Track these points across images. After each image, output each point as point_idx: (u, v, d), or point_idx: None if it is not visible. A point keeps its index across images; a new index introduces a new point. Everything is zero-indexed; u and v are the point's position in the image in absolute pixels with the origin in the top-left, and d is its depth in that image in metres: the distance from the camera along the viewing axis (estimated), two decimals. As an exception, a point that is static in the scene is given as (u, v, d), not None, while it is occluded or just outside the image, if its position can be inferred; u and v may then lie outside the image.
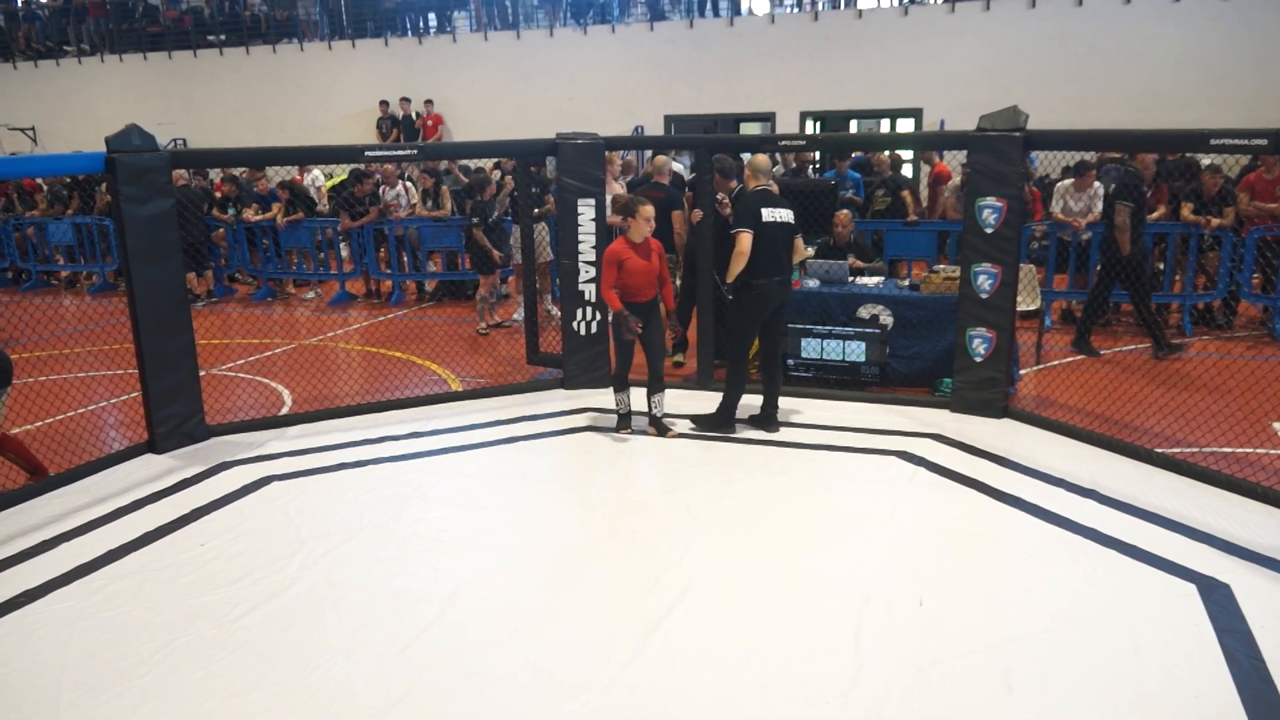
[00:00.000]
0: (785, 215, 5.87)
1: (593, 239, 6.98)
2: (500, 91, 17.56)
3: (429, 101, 17.83)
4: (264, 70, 19.20)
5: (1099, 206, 8.97)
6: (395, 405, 6.79)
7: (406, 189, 11.39)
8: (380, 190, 11.25)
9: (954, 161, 11.44)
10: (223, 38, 19.65)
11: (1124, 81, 14.18)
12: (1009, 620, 3.80)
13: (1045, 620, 3.78)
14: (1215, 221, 8.38)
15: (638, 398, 6.25)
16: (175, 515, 4.94)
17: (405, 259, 11.26)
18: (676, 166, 11.20)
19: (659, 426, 6.13)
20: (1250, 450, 5.59)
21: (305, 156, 9.96)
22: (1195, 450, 5.57)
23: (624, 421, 6.19)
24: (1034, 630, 3.71)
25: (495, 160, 12.27)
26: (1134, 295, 7.82)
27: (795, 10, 16.53)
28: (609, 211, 7.78)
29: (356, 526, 4.77)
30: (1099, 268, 8.14)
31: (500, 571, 4.30)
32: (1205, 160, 9.06)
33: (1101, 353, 7.99)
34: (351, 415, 6.60)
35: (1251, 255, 8.37)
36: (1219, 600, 3.88)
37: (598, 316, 7.09)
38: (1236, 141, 5.05)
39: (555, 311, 8.76)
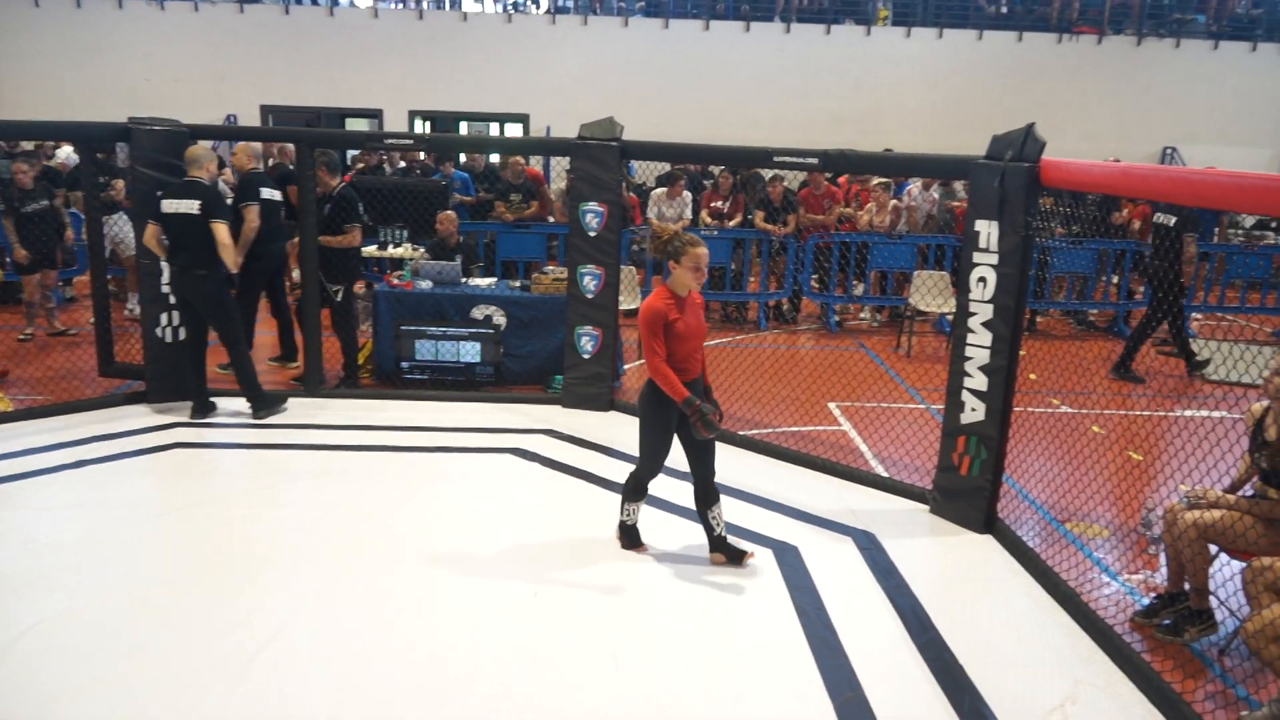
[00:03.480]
0: (187, 206, 5.98)
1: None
2: (58, 66, 15.30)
3: (-39, 72, 15.10)
4: None
5: (688, 213, 9.84)
6: (-78, 432, 5.64)
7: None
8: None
9: (560, 165, 11.93)
10: None
11: (704, 100, 15.72)
12: (614, 601, 4.03)
13: (648, 596, 4.06)
14: (782, 230, 9.56)
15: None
16: None
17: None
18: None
19: (728, 551, 4.37)
20: (813, 428, 6.44)
21: None
22: (771, 430, 6.31)
23: (633, 537, 4.51)
24: (636, 606, 3.97)
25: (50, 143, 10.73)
26: (1175, 321, 8.14)
27: (399, 6, 16.25)
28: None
29: None
30: (1154, 296, 8.07)
31: (73, 614, 3.73)
32: (768, 174, 10.31)
33: (1144, 379, 7.99)
34: None
35: (810, 259, 9.67)
36: (790, 561, 4.42)
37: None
38: (794, 160, 5.81)
39: (140, 315, 7.81)
